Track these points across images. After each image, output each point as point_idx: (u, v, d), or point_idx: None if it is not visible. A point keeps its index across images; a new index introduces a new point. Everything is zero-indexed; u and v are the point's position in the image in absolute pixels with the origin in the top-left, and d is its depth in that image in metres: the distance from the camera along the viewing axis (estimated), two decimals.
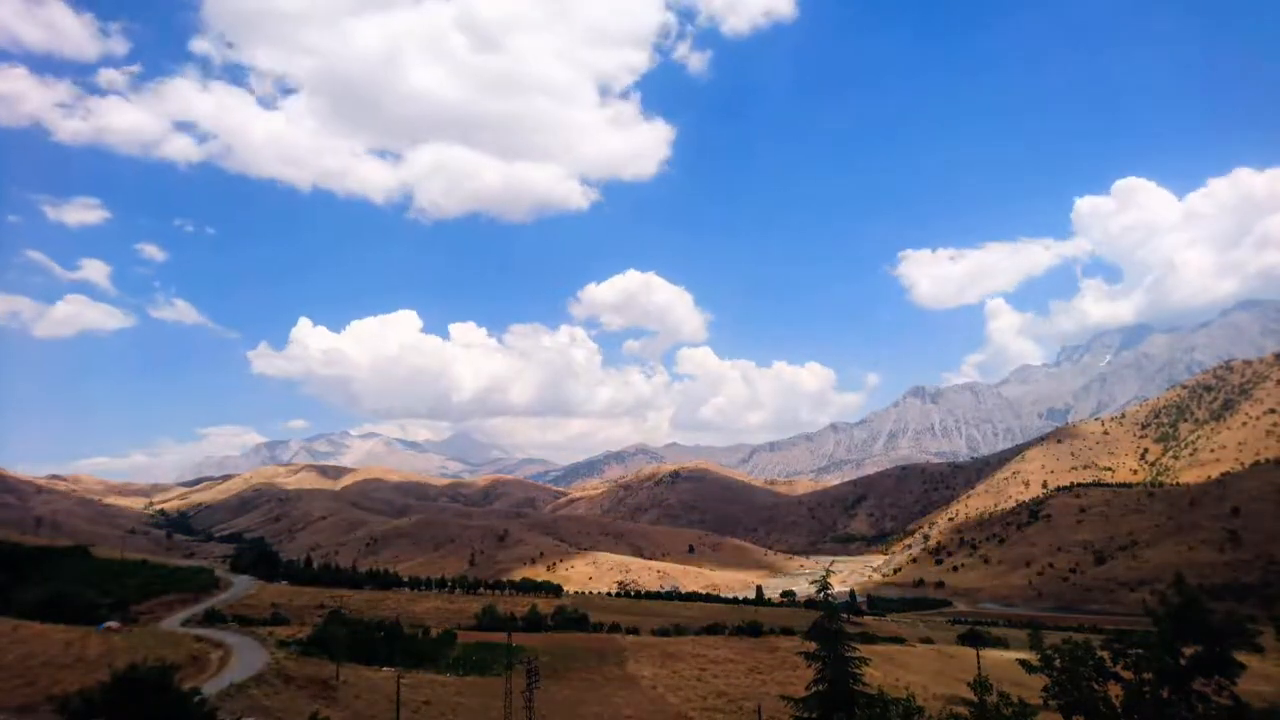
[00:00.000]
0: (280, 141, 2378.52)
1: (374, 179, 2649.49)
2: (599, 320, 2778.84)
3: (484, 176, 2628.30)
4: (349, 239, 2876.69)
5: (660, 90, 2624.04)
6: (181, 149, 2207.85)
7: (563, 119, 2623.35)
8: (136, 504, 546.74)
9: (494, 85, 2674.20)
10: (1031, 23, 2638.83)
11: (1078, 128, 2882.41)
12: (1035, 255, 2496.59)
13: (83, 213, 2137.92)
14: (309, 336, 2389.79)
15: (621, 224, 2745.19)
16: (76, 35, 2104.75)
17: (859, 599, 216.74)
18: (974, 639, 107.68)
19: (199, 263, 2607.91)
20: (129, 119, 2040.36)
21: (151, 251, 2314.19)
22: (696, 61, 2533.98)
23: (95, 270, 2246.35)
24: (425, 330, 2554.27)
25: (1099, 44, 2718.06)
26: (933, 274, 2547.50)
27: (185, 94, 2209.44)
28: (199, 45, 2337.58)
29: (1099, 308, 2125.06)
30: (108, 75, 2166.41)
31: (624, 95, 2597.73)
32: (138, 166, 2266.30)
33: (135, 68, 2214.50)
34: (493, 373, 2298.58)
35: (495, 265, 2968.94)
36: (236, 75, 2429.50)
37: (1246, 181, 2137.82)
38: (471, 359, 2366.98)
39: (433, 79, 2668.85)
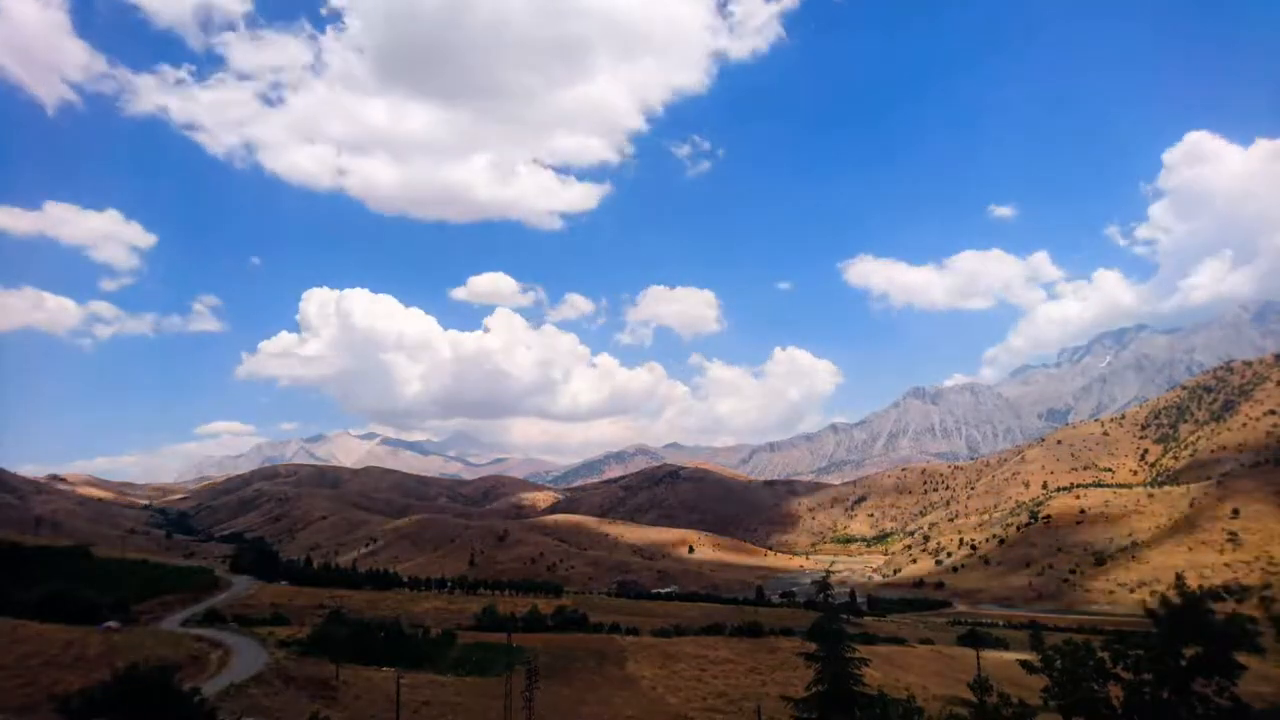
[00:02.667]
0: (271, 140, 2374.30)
1: (375, 176, 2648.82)
2: (600, 319, 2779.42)
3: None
4: (347, 233, 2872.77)
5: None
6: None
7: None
8: (136, 504, 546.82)
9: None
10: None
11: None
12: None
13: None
14: (309, 334, 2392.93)
15: (635, 224, 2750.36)
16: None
17: (859, 599, 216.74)
18: (974, 640, 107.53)
19: (197, 262, 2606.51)
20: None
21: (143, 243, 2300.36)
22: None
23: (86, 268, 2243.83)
24: (431, 328, 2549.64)
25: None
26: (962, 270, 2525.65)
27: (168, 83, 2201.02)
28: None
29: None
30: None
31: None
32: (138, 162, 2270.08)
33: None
34: (494, 371, 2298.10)
35: (509, 267, 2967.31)
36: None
37: None
38: (476, 357, 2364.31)
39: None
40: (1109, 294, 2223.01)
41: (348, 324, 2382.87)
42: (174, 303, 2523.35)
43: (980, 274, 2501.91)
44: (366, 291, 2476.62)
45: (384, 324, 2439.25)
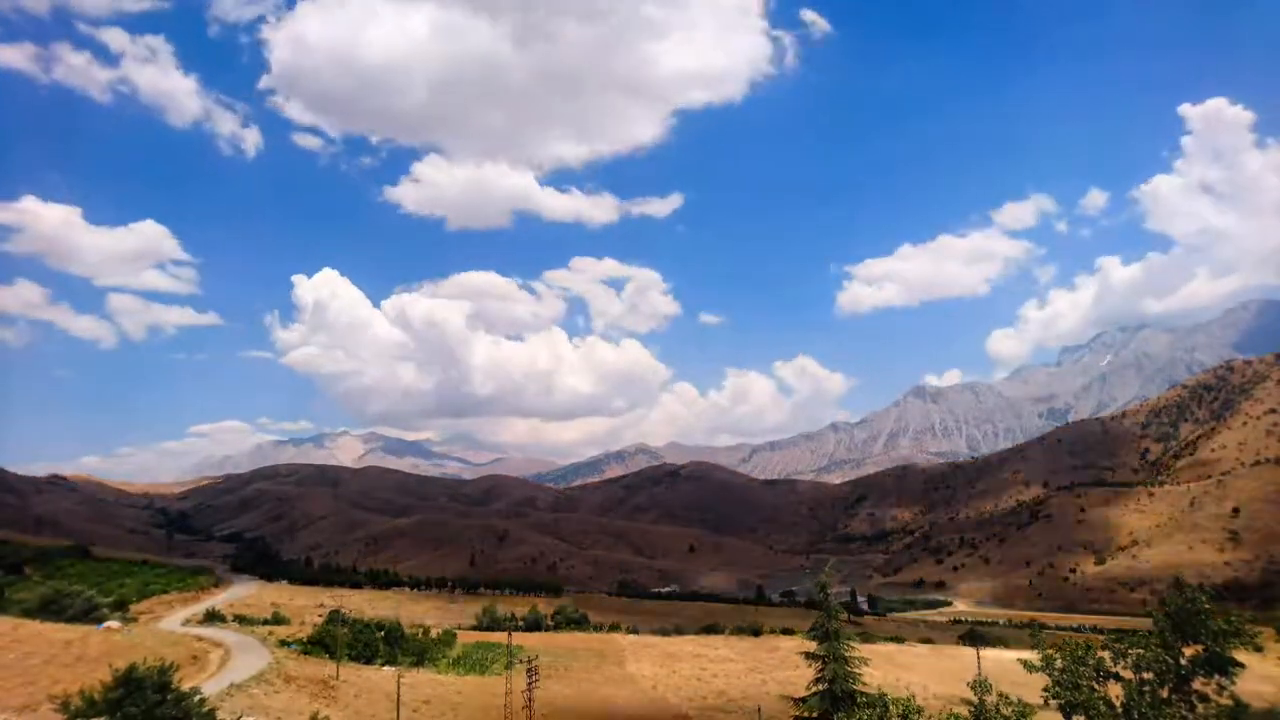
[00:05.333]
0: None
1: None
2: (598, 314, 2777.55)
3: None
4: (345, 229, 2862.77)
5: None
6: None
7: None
8: (136, 503, 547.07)
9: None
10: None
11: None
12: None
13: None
14: (309, 332, 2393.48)
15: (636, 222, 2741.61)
16: None
17: (859, 599, 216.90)
18: (974, 639, 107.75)
19: (195, 260, 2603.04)
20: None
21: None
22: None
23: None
24: (432, 325, 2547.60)
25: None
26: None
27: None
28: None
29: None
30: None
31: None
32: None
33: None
34: (496, 371, 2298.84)
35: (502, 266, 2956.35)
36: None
37: None
38: (478, 357, 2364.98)
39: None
40: (1113, 288, 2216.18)
41: (348, 322, 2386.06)
42: (172, 300, 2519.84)
43: (988, 266, 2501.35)
44: (356, 287, 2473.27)
45: (383, 322, 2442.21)
